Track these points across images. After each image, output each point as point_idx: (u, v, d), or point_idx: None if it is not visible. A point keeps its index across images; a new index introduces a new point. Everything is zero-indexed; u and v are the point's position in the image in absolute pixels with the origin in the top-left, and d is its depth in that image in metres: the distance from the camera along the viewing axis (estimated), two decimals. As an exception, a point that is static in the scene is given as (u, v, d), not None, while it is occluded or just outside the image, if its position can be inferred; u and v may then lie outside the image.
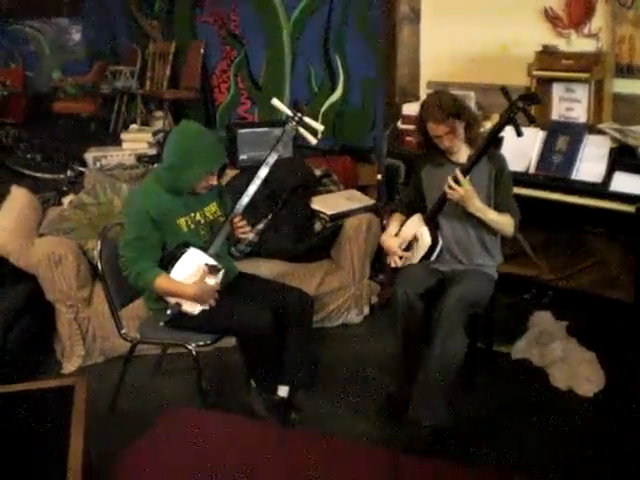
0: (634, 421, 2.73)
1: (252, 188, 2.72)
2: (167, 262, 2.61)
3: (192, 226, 2.70)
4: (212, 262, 2.62)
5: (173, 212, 2.65)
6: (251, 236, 3.56)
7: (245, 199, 2.72)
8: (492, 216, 2.73)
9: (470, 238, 2.83)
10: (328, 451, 2.03)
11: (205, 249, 2.66)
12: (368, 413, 2.85)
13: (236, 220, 2.74)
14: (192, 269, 2.60)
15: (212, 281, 2.60)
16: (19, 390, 2.31)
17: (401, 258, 2.89)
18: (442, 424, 2.59)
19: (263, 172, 2.73)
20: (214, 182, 2.69)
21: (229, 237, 2.79)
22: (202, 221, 2.74)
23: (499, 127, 2.64)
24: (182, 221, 2.67)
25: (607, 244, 3.61)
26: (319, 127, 2.84)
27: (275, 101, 2.87)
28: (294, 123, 2.77)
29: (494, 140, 2.71)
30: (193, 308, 2.62)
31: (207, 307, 2.62)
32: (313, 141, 2.84)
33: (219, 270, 2.63)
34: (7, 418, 2.12)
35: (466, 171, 2.66)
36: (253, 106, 6.04)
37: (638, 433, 2.66)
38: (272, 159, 2.73)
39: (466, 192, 2.64)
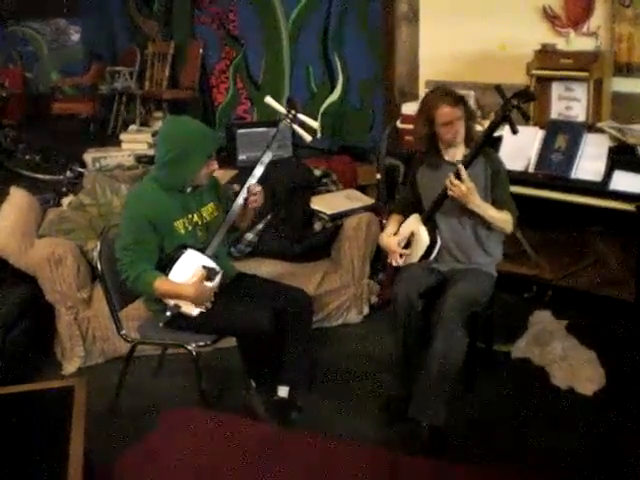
0: (634, 420, 2.73)
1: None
2: (165, 265, 2.60)
3: (189, 228, 2.68)
4: (209, 264, 2.62)
5: (170, 214, 2.63)
6: (250, 236, 3.57)
7: (240, 199, 2.71)
8: (491, 213, 2.73)
9: (468, 237, 2.83)
10: (328, 451, 2.03)
11: (203, 250, 2.66)
12: (368, 413, 2.85)
13: (251, 188, 2.71)
14: (190, 271, 2.59)
15: (210, 284, 2.60)
16: (19, 391, 2.30)
17: (402, 256, 2.89)
18: (442, 423, 2.59)
19: (258, 171, 2.72)
20: (215, 167, 2.68)
21: (230, 234, 2.78)
22: (199, 222, 2.72)
23: (494, 125, 2.65)
24: (179, 223, 2.65)
25: (607, 243, 3.61)
26: (314, 124, 2.83)
27: (268, 99, 2.85)
28: (288, 121, 2.76)
29: (491, 137, 2.71)
30: (192, 309, 2.62)
31: (203, 309, 2.62)
32: (308, 138, 2.84)
33: (217, 273, 2.62)
34: (7, 419, 2.12)
35: (464, 167, 2.66)
36: (252, 106, 6.04)
37: (638, 432, 2.66)
38: (267, 158, 2.72)
39: (467, 188, 2.64)
